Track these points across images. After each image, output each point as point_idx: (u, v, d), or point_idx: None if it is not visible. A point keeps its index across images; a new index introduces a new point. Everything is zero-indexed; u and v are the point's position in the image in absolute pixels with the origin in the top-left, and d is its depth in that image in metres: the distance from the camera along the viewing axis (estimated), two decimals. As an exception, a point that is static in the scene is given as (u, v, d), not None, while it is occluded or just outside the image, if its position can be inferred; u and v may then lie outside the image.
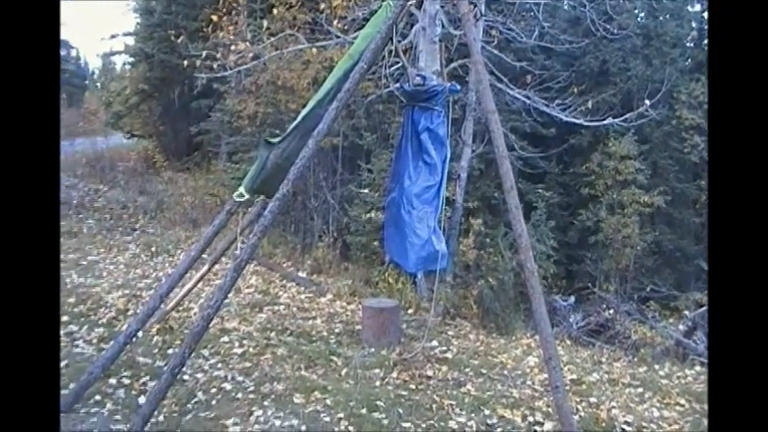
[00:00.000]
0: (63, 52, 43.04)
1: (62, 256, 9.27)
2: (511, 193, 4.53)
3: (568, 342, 8.69)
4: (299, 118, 5.21)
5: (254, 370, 5.72)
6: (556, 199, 14.87)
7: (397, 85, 6.77)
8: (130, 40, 21.93)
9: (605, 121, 10.11)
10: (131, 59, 21.20)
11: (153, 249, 10.43)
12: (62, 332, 6.29)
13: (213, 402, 5.06)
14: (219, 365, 5.81)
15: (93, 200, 13.96)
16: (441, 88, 6.04)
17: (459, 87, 6.29)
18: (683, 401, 6.07)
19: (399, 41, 9.02)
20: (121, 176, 15.70)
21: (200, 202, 13.79)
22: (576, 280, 13.23)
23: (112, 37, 25.17)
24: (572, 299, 10.27)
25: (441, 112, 6.11)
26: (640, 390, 6.37)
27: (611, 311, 9.53)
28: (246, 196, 5.13)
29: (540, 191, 13.93)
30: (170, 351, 5.95)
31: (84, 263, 9.06)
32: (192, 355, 5.84)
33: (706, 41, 20.61)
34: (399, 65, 9.81)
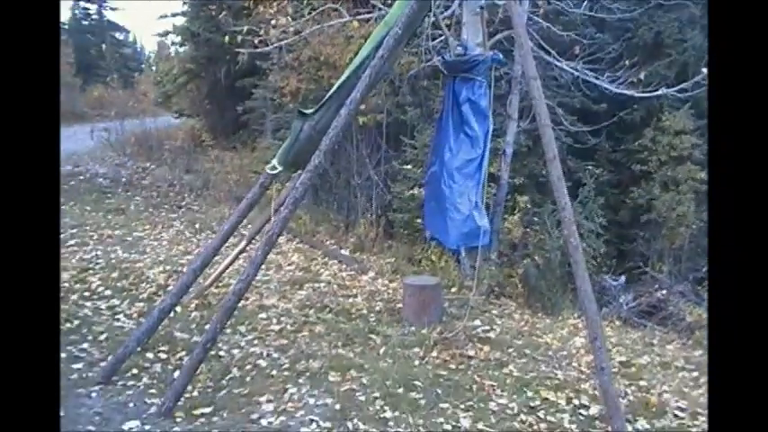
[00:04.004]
0: (120, 36, 44.05)
1: (109, 232, 9.39)
2: (553, 163, 4.29)
3: (618, 323, 8.37)
4: (334, 88, 5.05)
5: (290, 347, 5.63)
6: (606, 176, 14.32)
7: (439, 57, 6.56)
8: (180, 20, 22.06)
9: (658, 92, 9.62)
10: (179, 39, 21.37)
11: (197, 226, 10.48)
12: (104, 305, 6.35)
13: (248, 379, 5.00)
14: (256, 342, 5.74)
15: (140, 178, 14.10)
16: (482, 58, 5.83)
17: (501, 56, 6.04)
18: (739, 386, 5.76)
19: (441, 13, 8.81)
20: (168, 155, 15.83)
21: (245, 179, 13.78)
22: (628, 260, 12.71)
23: (162, 17, 25.23)
24: (623, 278, 9.88)
25: (482, 82, 5.89)
26: (695, 374, 6.06)
27: (664, 292, 9.12)
28: (279, 169, 5.01)
29: (589, 168, 13.46)
30: (207, 327, 5.90)
31: (130, 239, 9.12)
32: (229, 331, 5.85)
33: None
34: (442, 38, 9.58)
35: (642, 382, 5.60)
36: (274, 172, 5.02)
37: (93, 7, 40.85)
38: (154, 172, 14.76)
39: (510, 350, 6.09)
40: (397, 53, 5.49)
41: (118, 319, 6.03)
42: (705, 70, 9.20)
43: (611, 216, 13.55)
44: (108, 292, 6.67)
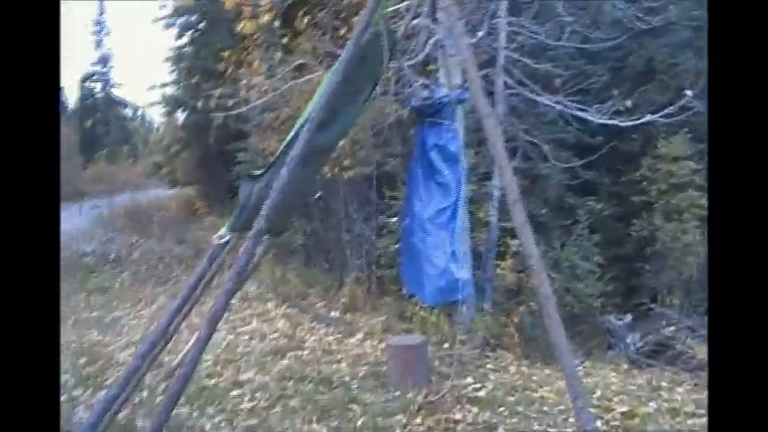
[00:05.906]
0: (127, 111, 44.93)
1: (87, 314, 9.00)
2: (516, 207, 3.92)
3: (625, 366, 7.81)
4: (282, 146, 4.71)
5: (259, 427, 5.17)
6: (609, 210, 13.85)
7: (407, 102, 6.29)
8: (170, 90, 22.06)
9: (644, 119, 9.20)
10: (167, 108, 21.38)
11: (182, 299, 10.06)
12: (65, 397, 5.90)
13: (206, 472, 4.54)
14: (223, 424, 5.29)
15: (129, 253, 13.80)
16: (447, 99, 5.51)
17: (466, 95, 5.72)
18: (758, 432, 5.22)
19: (410, 59, 8.55)
20: (158, 227, 15.56)
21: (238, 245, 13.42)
22: (636, 296, 12.15)
23: (151, 88, 24.96)
24: (629, 317, 9.32)
25: (450, 125, 5.56)
26: (706, 420, 5.53)
27: (672, 328, 8.54)
28: (227, 237, 4.64)
29: (590, 203, 13.01)
30: (176, 411, 5.46)
31: (107, 319, 8.72)
32: (196, 414, 5.40)
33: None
34: (420, 83, 9.30)
35: (648, 436, 5.10)
36: (223, 240, 4.65)
37: (97, 86, 41.80)
38: (143, 246, 14.46)
39: (501, 409, 5.62)
40: (351, 102, 5.13)
41: (76, 413, 5.58)
42: (689, 92, 8.84)
43: (615, 251, 13.05)
44: (72, 381, 6.25)
